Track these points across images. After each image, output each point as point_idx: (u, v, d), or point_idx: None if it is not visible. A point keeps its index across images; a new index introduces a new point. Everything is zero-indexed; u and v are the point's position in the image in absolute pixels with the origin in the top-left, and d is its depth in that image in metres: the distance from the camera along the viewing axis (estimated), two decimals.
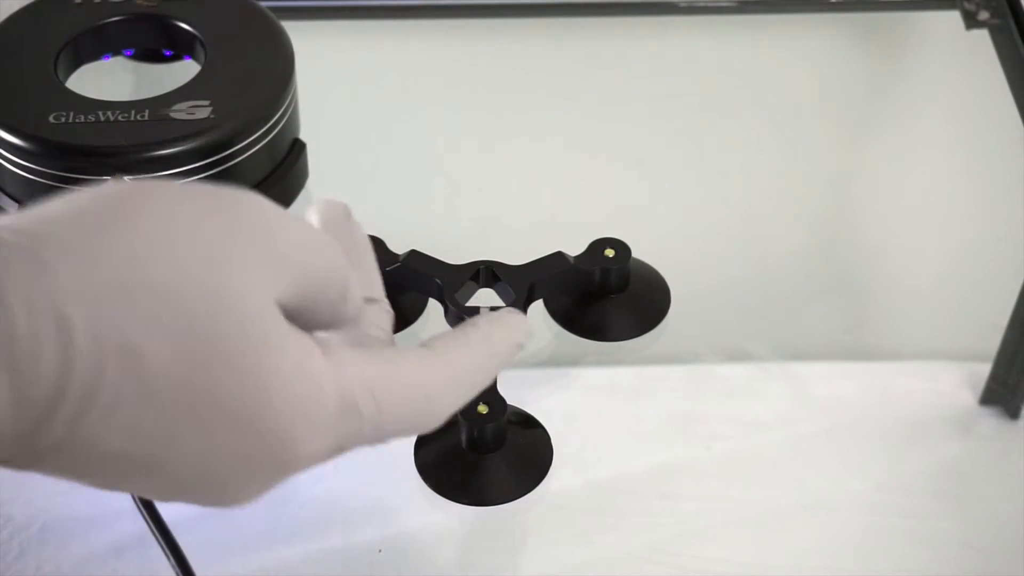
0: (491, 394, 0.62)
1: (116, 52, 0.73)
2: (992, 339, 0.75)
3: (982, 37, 0.86)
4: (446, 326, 0.67)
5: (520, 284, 0.64)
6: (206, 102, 0.67)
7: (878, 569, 0.66)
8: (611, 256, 0.66)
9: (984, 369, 0.74)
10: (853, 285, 0.81)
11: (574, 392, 0.74)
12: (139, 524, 0.65)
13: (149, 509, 0.59)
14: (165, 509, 0.59)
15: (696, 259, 0.80)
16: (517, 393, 0.73)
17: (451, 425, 0.62)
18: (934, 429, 0.72)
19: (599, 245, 0.67)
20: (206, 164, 0.66)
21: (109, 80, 0.73)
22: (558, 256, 0.66)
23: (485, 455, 0.62)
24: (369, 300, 0.51)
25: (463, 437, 0.62)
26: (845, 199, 0.86)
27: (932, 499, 0.69)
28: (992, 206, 0.83)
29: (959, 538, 0.67)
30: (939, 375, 0.74)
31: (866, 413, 0.73)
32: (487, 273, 0.65)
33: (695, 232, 0.82)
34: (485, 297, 0.67)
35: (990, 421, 0.73)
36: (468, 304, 0.65)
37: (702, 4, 0.89)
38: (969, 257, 0.81)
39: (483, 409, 0.61)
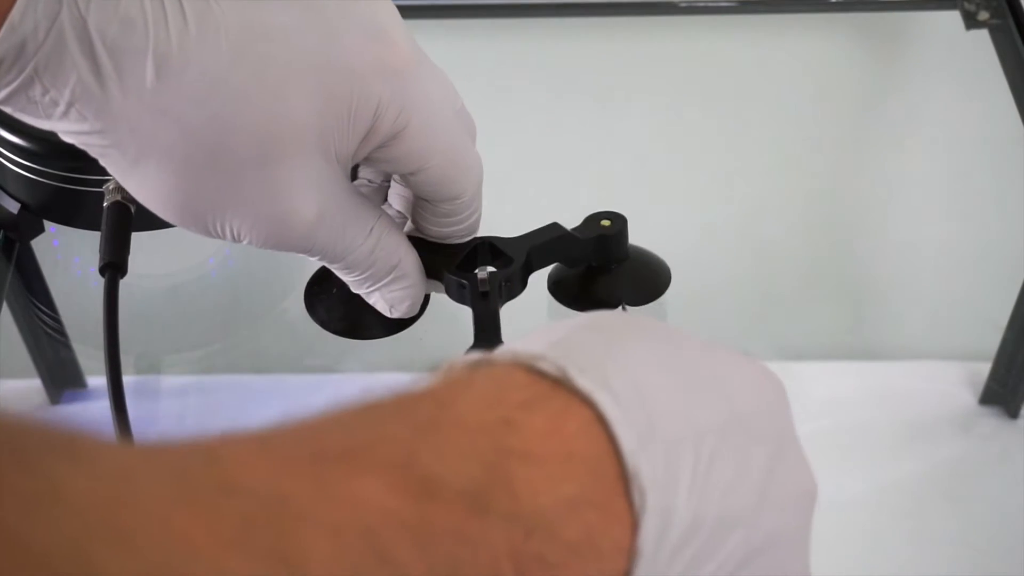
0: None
1: None
2: (992, 339, 0.75)
3: (982, 37, 0.86)
4: (445, 319, 0.67)
5: (518, 252, 0.64)
6: None
7: (878, 569, 0.66)
8: (608, 225, 0.66)
9: (984, 369, 0.74)
10: (853, 285, 0.81)
11: None
12: None
13: None
14: None
15: (696, 259, 0.80)
16: None
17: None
18: (934, 429, 0.72)
19: (595, 217, 0.67)
20: None
21: None
22: (553, 225, 0.66)
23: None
24: None
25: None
26: (845, 199, 0.86)
27: (932, 499, 0.69)
28: (992, 206, 0.83)
29: (959, 538, 0.68)
30: (939, 375, 0.75)
31: (866, 413, 0.73)
32: (485, 249, 0.65)
33: (695, 232, 0.82)
34: None
35: (990, 421, 0.73)
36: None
37: (702, 4, 0.89)
38: (969, 257, 0.81)
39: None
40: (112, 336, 0.61)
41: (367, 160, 0.58)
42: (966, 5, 0.88)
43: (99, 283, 0.63)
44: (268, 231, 0.56)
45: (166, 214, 0.56)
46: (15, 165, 0.66)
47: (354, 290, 0.61)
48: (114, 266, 0.63)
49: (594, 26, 0.91)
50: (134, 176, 0.55)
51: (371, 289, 0.61)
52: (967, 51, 0.87)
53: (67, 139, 0.54)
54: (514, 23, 0.91)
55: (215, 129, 0.53)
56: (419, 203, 0.61)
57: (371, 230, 0.58)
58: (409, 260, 0.61)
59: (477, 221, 0.63)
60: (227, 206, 0.55)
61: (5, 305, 0.71)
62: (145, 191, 0.55)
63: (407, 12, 0.83)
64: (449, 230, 0.62)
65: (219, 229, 0.56)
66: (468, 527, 0.36)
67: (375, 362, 0.75)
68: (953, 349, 0.76)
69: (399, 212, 0.63)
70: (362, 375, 0.74)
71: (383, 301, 0.62)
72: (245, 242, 0.57)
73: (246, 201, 0.55)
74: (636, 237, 0.75)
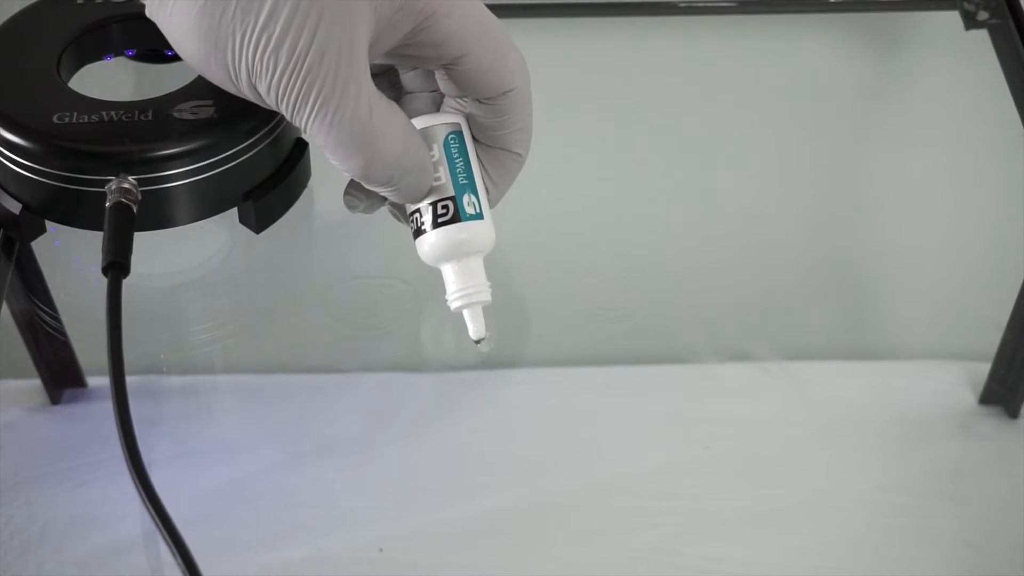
0: None
1: (118, 52, 0.73)
2: (992, 339, 0.75)
3: (982, 37, 0.87)
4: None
5: None
6: (209, 102, 0.67)
7: (878, 569, 0.67)
8: None
9: (984, 369, 0.74)
10: (853, 285, 0.81)
11: (574, 392, 0.74)
12: (139, 524, 0.65)
13: (157, 508, 0.59)
14: (170, 508, 0.59)
15: (696, 259, 0.80)
16: (517, 393, 0.73)
17: None
18: (934, 429, 0.72)
19: None
20: (209, 164, 0.66)
21: (111, 80, 0.73)
22: None
23: None
24: None
25: None
26: (845, 199, 0.86)
27: (932, 499, 0.69)
28: (992, 206, 0.83)
29: (959, 538, 0.68)
30: (939, 375, 0.75)
31: (866, 413, 0.73)
32: None
33: (695, 232, 0.82)
34: None
35: (990, 421, 0.73)
36: None
37: (702, 4, 0.89)
38: (969, 257, 0.81)
39: None
40: (115, 336, 0.62)
41: (407, 52, 0.59)
42: (966, 5, 0.88)
43: (100, 283, 0.63)
44: (282, 65, 0.56)
45: (191, 41, 0.57)
46: (16, 165, 0.66)
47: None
48: (117, 266, 0.63)
49: (594, 26, 0.91)
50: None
51: None
52: (967, 51, 0.88)
53: None
54: (513, 23, 0.90)
55: None
56: (474, 112, 0.62)
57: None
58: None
59: (530, 128, 0.64)
60: (249, 33, 0.56)
61: (5, 305, 0.71)
62: (174, 17, 0.57)
63: None
64: (508, 133, 0.62)
65: (238, 60, 0.57)
66: None
67: (375, 362, 0.75)
68: (953, 349, 0.76)
69: None
70: (362, 375, 0.74)
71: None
72: (262, 87, 0.57)
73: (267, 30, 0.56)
74: (636, 238, 0.75)
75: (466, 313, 0.63)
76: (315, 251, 0.78)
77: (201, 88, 0.68)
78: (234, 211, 0.69)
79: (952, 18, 0.88)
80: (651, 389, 0.74)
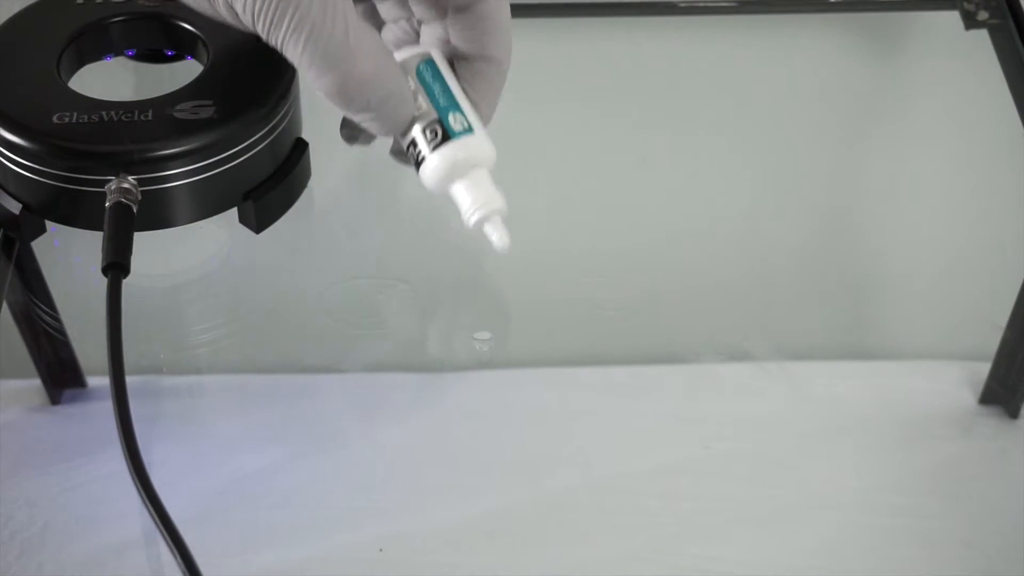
0: None
1: (118, 52, 0.73)
2: (992, 339, 0.75)
3: (981, 37, 0.87)
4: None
5: None
6: (209, 102, 0.67)
7: (878, 569, 0.67)
8: None
9: (984, 369, 0.74)
10: (853, 285, 0.81)
11: (574, 392, 0.74)
12: (140, 524, 0.65)
13: (156, 507, 0.59)
14: (170, 508, 0.59)
15: (696, 259, 0.80)
16: (517, 393, 0.73)
17: None
18: (934, 429, 0.72)
19: None
20: (209, 164, 0.66)
21: (111, 80, 0.73)
22: None
23: None
24: None
25: None
26: (845, 199, 0.86)
27: (932, 499, 0.69)
28: (992, 206, 0.83)
29: (959, 538, 0.68)
30: (939, 375, 0.75)
31: (866, 413, 0.73)
32: None
33: (695, 232, 0.82)
34: None
35: (990, 421, 0.73)
36: None
37: (702, 4, 0.89)
38: (969, 257, 0.81)
39: None
40: (115, 337, 0.62)
41: None
42: (966, 5, 0.88)
43: (100, 282, 0.63)
44: None
45: None
46: (16, 165, 0.66)
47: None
48: (117, 266, 0.63)
49: (594, 26, 0.91)
50: None
51: None
52: (967, 51, 0.87)
53: None
54: (514, 23, 0.90)
55: None
56: (451, 28, 0.62)
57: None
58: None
59: (509, 34, 0.64)
60: None
61: (5, 305, 0.71)
62: None
63: None
64: (487, 40, 0.62)
65: None
66: None
67: (375, 362, 0.75)
68: (953, 349, 0.76)
69: None
70: (362, 375, 0.74)
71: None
72: (237, 5, 0.57)
73: None
74: (636, 237, 0.75)
75: (487, 227, 0.61)
76: (315, 251, 0.78)
77: (201, 88, 0.68)
78: (234, 211, 0.69)
79: (952, 18, 0.88)
80: (651, 389, 0.74)
